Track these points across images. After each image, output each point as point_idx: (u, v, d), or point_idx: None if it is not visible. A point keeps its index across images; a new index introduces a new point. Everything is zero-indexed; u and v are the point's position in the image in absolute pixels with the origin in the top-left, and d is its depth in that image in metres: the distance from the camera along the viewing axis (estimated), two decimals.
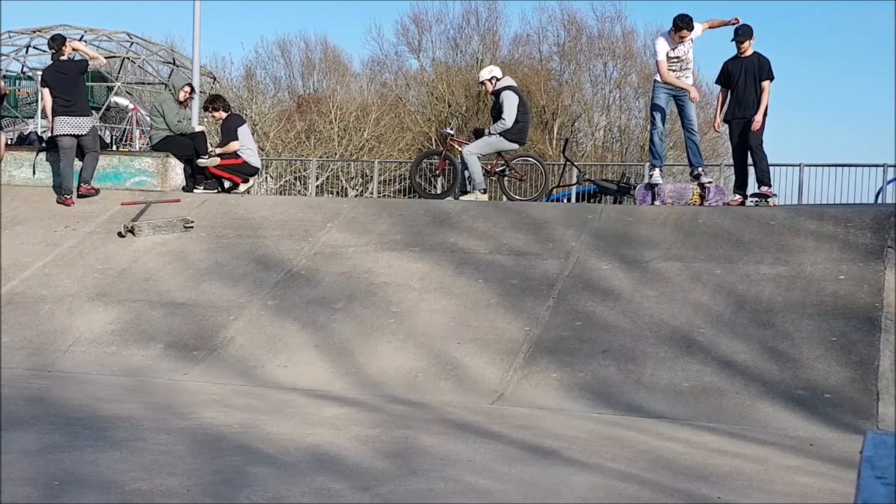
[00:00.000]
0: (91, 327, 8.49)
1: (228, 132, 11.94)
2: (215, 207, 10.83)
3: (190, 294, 8.88)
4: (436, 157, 12.25)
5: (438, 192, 12.34)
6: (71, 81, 11.32)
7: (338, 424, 6.05)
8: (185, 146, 11.88)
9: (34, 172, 11.98)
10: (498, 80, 11.48)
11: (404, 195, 30.86)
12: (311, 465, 5.04)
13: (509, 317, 8.03)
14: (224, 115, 12.08)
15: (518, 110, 11.23)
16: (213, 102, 12.39)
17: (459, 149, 12.30)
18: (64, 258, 9.85)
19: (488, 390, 7.13)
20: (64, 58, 11.56)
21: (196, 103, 15.11)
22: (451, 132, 12.61)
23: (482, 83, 11.66)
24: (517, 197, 12.37)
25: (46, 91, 11.37)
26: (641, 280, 8.35)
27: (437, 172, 12.18)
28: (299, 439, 5.59)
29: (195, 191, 11.62)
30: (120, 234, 10.08)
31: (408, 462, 5.17)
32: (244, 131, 12.16)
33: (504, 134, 11.27)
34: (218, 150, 11.91)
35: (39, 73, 24.63)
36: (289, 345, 7.94)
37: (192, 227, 10.05)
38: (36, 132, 17.33)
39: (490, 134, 11.34)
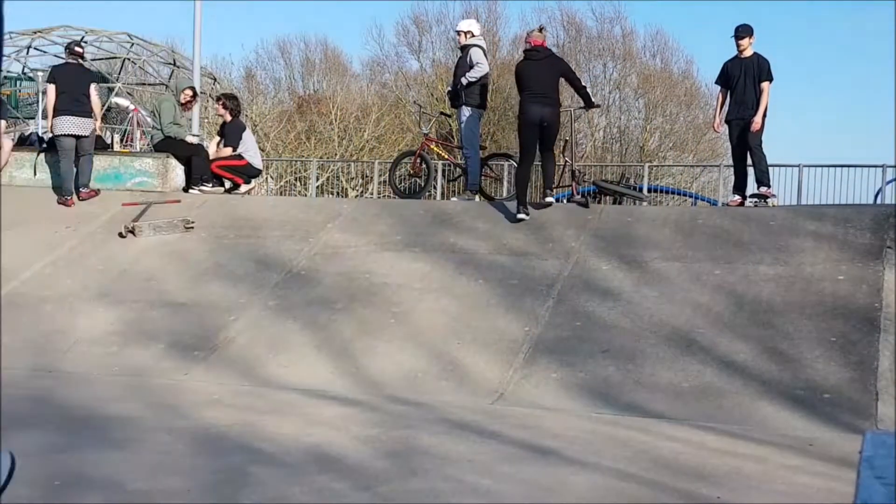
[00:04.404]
0: (92, 328, 8.50)
1: (234, 135, 11.96)
2: (216, 208, 10.84)
3: (191, 294, 8.89)
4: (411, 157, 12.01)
5: (414, 191, 12.09)
6: (80, 82, 11.31)
7: (338, 424, 6.06)
8: (185, 148, 11.90)
9: (35, 173, 11.99)
10: (473, 35, 11.32)
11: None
12: (311, 465, 5.06)
13: (509, 317, 8.04)
14: (229, 117, 12.08)
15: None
16: (227, 99, 12.36)
17: (437, 149, 12.23)
18: (65, 259, 9.86)
19: (488, 390, 7.14)
20: (76, 61, 11.58)
21: (197, 107, 15.11)
22: (427, 132, 12.44)
23: (458, 33, 11.38)
24: (495, 197, 12.16)
25: (52, 87, 11.31)
26: (641, 280, 8.36)
27: (411, 172, 11.97)
28: (300, 439, 5.60)
29: (192, 191, 11.63)
30: (121, 235, 10.08)
31: (408, 462, 5.18)
32: (248, 135, 12.23)
33: (469, 102, 10.97)
34: (219, 154, 11.94)
35: (40, 73, 24.63)
36: (289, 345, 7.95)
37: (192, 227, 10.05)
38: (37, 133, 17.35)
39: (464, 104, 10.95)
